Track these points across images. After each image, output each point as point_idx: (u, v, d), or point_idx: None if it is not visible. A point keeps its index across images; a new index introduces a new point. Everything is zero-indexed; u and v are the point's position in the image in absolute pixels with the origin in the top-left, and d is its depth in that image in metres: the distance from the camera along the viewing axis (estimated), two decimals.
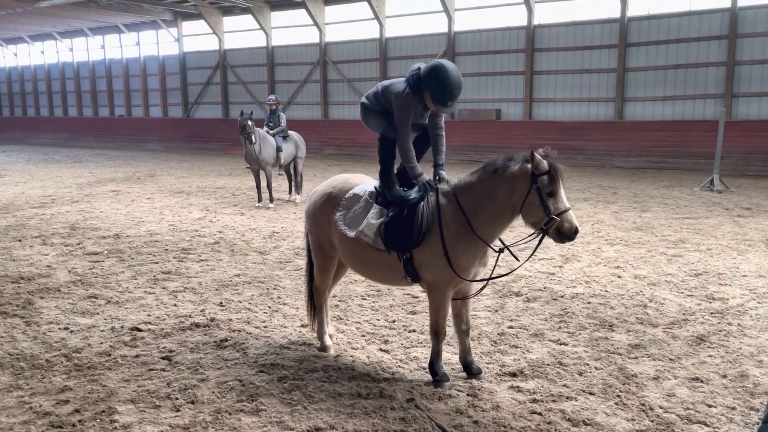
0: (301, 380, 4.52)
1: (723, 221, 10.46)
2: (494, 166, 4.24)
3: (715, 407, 4.15)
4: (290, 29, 28.08)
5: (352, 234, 4.61)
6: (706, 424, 3.95)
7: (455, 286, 4.46)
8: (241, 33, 29.75)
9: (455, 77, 4.35)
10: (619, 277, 7.26)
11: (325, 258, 5.03)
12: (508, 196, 4.15)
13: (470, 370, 4.64)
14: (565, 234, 4.03)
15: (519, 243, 4.47)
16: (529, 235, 4.34)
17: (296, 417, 4.02)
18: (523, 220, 4.22)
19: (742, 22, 18.23)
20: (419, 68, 4.48)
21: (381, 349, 5.17)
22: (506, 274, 5.12)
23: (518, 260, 4.41)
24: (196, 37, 31.53)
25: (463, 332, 4.67)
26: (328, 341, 5.14)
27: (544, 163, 4.01)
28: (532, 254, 4.55)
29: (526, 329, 5.58)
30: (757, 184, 15.26)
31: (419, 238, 4.34)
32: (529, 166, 4.04)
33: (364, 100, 4.81)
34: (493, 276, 4.56)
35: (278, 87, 28.39)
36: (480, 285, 4.60)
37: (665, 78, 19.72)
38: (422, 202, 4.43)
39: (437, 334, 4.50)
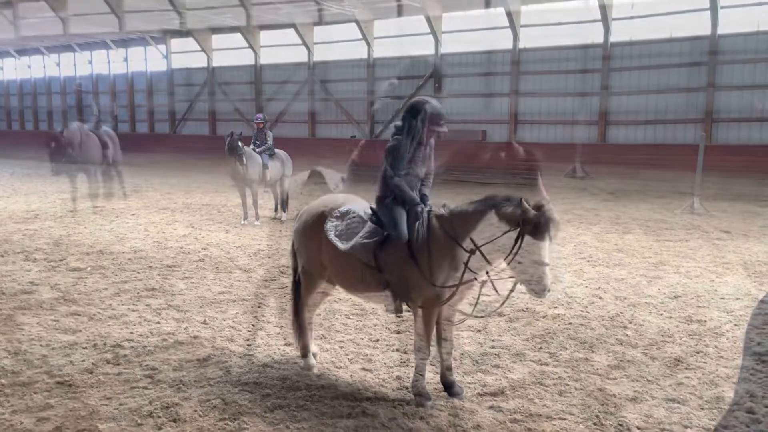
0: (284, 399, 4.54)
1: (702, 244, 10.63)
2: (492, 202, 4.25)
3: (691, 428, 4.23)
4: (279, 48, 28.32)
5: (343, 247, 4.63)
6: None
7: (441, 305, 4.51)
8: (230, 51, 29.94)
9: (436, 102, 4.62)
10: (600, 298, 7.35)
11: (312, 277, 5.06)
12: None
13: (452, 389, 4.69)
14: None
15: (499, 280, 4.50)
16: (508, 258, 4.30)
17: None
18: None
19: (722, 49, 18.70)
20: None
21: (364, 368, 5.20)
22: (483, 316, 5.04)
23: (498, 293, 4.39)
24: (185, 54, 31.67)
25: (445, 352, 4.73)
26: (311, 360, 5.16)
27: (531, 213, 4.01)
28: (502, 303, 4.51)
29: (508, 349, 5.65)
30: (736, 208, 15.53)
31: (411, 257, 4.38)
32: (519, 211, 4.05)
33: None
34: (474, 313, 4.60)
35: (266, 105, 28.52)
36: (465, 310, 4.67)
37: (647, 102, 20.13)
38: (418, 222, 4.49)
39: (421, 353, 4.55)
